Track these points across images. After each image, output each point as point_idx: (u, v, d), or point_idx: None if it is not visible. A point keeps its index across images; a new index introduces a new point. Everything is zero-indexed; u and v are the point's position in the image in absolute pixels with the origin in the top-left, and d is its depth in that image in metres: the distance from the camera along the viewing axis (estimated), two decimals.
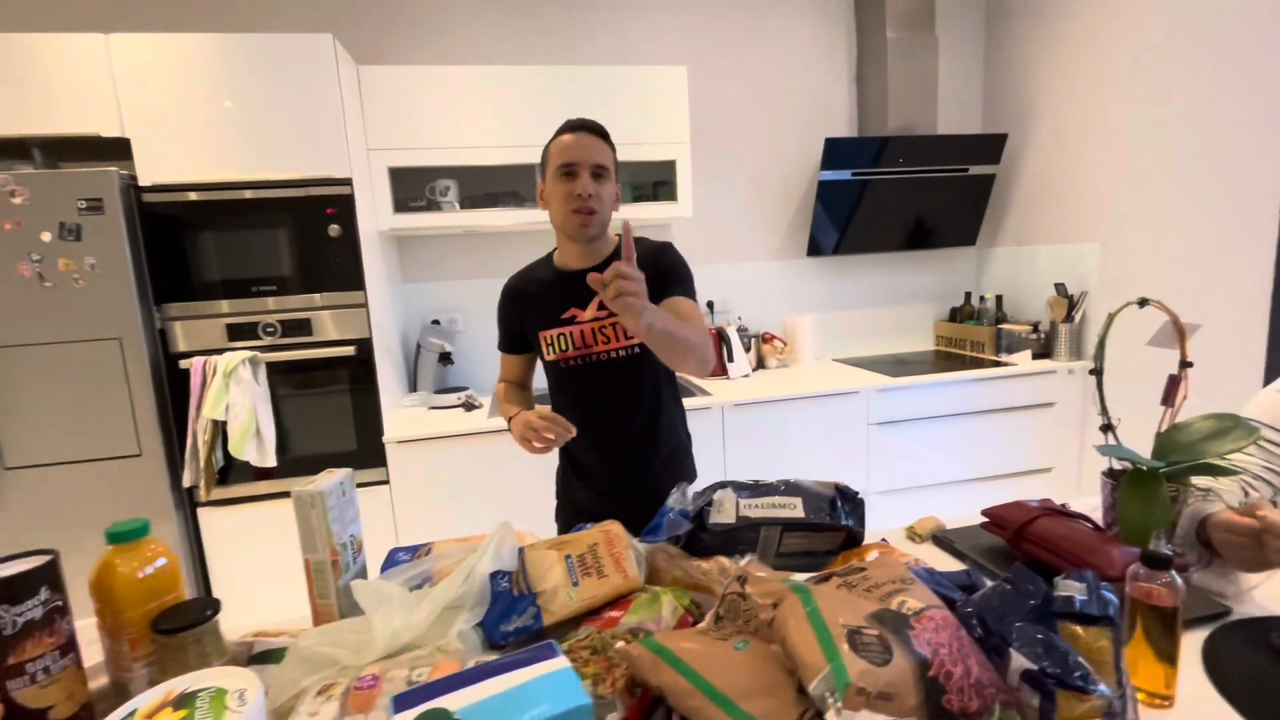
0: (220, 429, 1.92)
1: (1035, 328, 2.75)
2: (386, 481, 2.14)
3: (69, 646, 0.71)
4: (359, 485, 2.10)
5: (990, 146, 2.85)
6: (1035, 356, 2.68)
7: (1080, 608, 0.59)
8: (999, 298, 2.97)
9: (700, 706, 0.56)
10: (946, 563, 1.04)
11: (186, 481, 1.91)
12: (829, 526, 0.91)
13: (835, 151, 2.66)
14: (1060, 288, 2.66)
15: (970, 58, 3.03)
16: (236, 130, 1.94)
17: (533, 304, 1.37)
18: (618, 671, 0.68)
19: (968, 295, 3.08)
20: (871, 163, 2.73)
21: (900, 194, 2.85)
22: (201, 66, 1.91)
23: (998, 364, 2.67)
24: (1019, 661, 0.55)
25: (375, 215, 2.25)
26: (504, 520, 0.91)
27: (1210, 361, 2.16)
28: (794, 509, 0.92)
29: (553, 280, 1.36)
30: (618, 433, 1.38)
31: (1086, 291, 2.61)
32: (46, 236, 1.79)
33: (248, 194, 1.96)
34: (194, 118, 1.92)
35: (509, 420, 1.34)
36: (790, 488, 0.94)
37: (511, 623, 0.80)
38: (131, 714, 0.60)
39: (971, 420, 2.57)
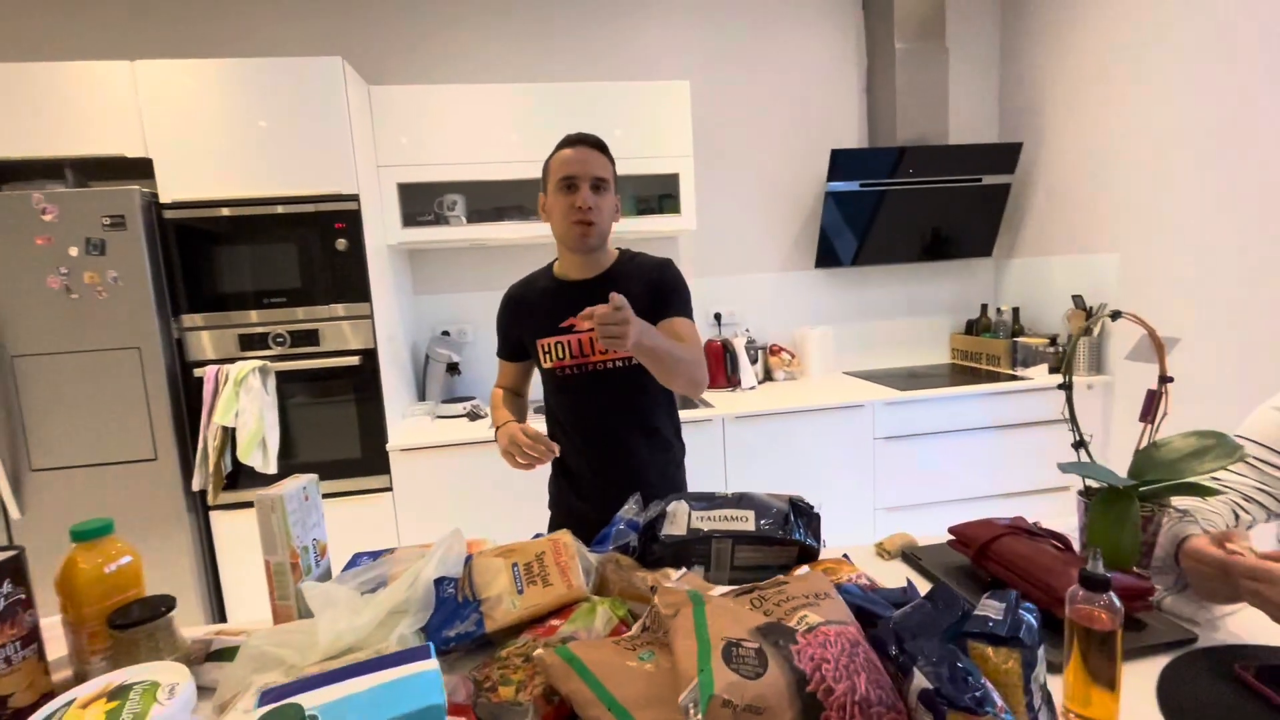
0: (230, 435, 2.00)
1: (1053, 341, 2.67)
2: (390, 489, 2.19)
3: (31, 638, 0.75)
4: (363, 492, 2.19)
5: (1005, 156, 2.79)
6: (1052, 370, 2.60)
7: (991, 628, 0.58)
8: (1015, 310, 2.89)
9: (599, 716, 0.56)
10: (917, 581, 1.02)
11: (195, 485, 1.99)
12: (779, 540, 0.90)
13: (842, 163, 2.65)
14: (1078, 300, 2.58)
15: (984, 67, 2.98)
16: (251, 149, 2.04)
17: (532, 312, 1.40)
18: (538, 679, 0.69)
19: (984, 307, 3.01)
20: (881, 173, 2.70)
21: (912, 204, 2.80)
22: (219, 90, 2.01)
23: (1014, 378, 2.60)
24: (920, 681, 0.54)
25: (384, 230, 2.32)
26: (455, 528, 0.93)
27: (1238, 375, 2.06)
28: (745, 522, 0.91)
29: (553, 290, 1.39)
30: (611, 441, 1.40)
31: (1106, 304, 2.52)
32: (74, 251, 1.90)
33: (261, 210, 2.04)
34: (212, 138, 2.02)
35: (496, 428, 1.36)
36: (743, 500, 0.94)
37: (454, 628, 0.81)
38: (70, 703, 0.63)
39: (984, 435, 2.50)
